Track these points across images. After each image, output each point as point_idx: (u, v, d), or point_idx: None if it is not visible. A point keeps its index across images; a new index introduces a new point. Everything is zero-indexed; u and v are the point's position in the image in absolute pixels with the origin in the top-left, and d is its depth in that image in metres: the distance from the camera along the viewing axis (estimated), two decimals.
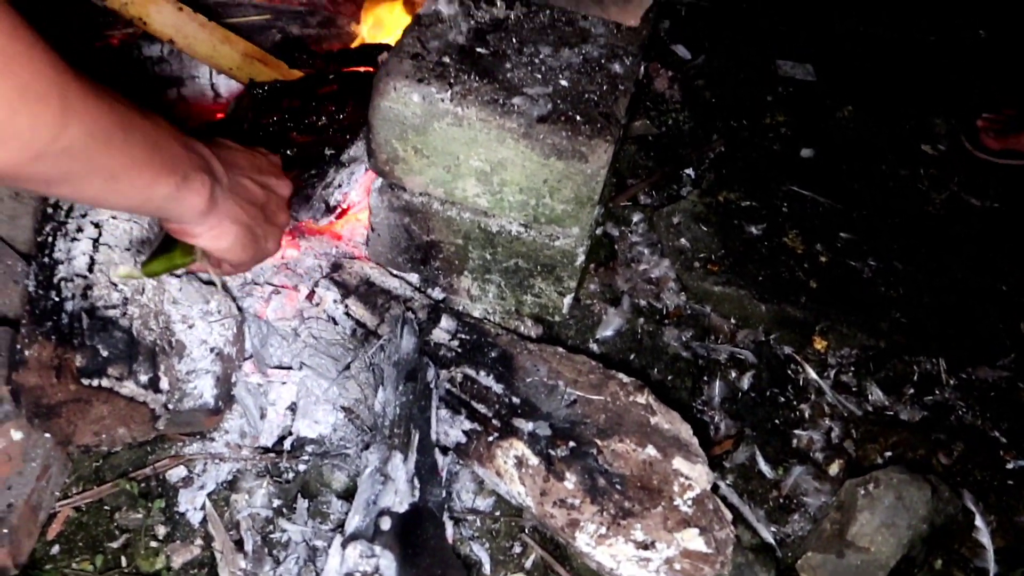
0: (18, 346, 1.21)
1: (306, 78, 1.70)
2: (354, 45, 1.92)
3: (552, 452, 1.26)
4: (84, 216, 1.37)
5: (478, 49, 1.38)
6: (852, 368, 1.61)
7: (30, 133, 0.65)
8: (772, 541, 1.36)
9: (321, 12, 1.91)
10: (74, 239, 1.34)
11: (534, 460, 1.26)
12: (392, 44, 1.61)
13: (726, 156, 1.99)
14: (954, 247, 1.88)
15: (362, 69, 1.73)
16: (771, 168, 1.97)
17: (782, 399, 1.57)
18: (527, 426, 1.29)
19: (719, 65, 2.24)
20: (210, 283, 1.44)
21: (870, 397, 1.58)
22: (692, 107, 2.10)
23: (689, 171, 1.94)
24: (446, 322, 1.44)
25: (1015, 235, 1.93)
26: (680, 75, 2.17)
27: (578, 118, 1.29)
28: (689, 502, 1.23)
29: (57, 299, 1.26)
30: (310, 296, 1.54)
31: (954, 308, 1.74)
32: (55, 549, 1.25)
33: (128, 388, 1.23)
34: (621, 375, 1.36)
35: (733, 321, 1.66)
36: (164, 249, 1.06)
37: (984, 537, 1.39)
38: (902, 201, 1.98)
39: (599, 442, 1.27)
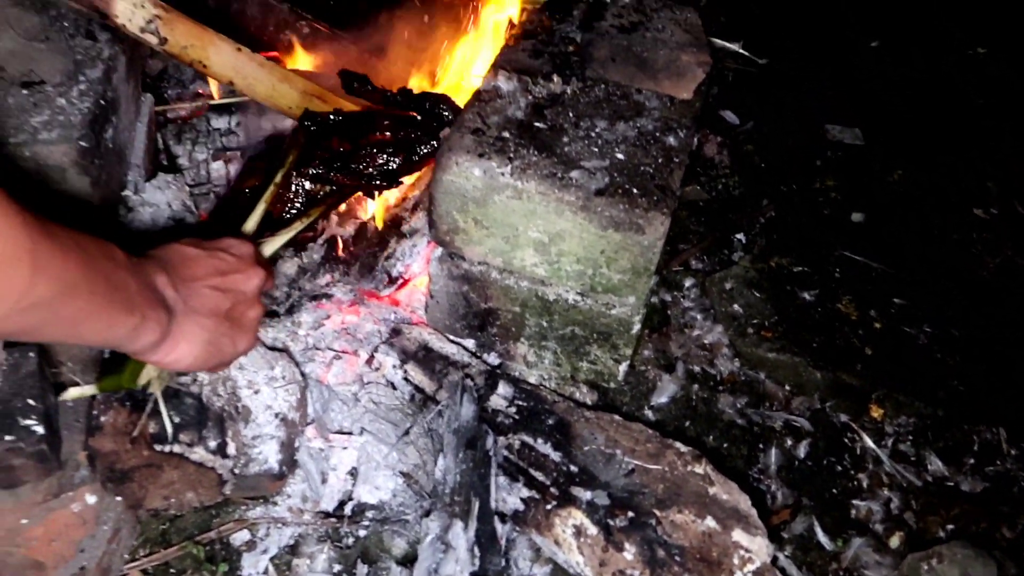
0: (94, 412, 1.26)
1: (360, 120, 1.70)
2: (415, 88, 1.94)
3: (611, 522, 1.27)
4: None
5: (536, 124, 1.42)
6: (910, 437, 1.60)
7: (1, 295, 0.68)
8: None
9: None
10: None
11: (593, 529, 1.27)
12: (446, 95, 1.67)
13: (777, 221, 2.00)
14: (1010, 313, 1.86)
15: (417, 116, 1.74)
16: (822, 233, 1.98)
17: (839, 468, 1.56)
18: (585, 495, 1.30)
19: (767, 130, 2.27)
20: (275, 349, 1.49)
21: (929, 467, 1.56)
22: (742, 172, 2.13)
23: (740, 236, 1.96)
24: (503, 389, 1.46)
25: None
26: (729, 140, 2.20)
27: (635, 191, 1.32)
28: (749, 575, 1.22)
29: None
30: (370, 361, 1.57)
31: (1014, 376, 1.72)
32: None
33: (198, 454, 1.27)
34: (678, 444, 1.37)
35: (788, 388, 1.66)
36: (114, 367, 1.12)
37: None
38: (955, 266, 1.97)
39: (658, 512, 1.27)
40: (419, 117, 1.62)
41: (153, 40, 1.50)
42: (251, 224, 1.29)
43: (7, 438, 1.10)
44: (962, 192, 2.19)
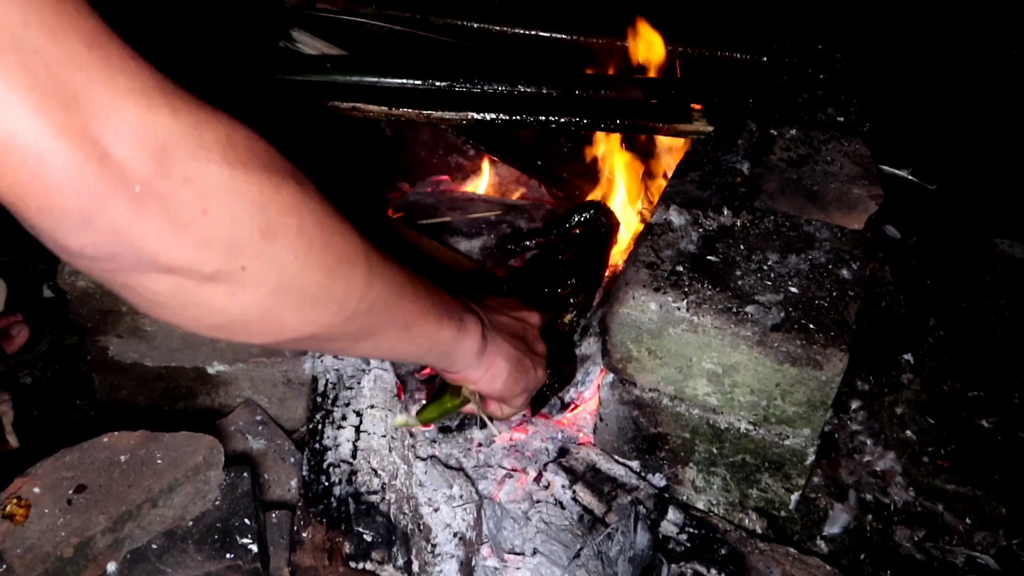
0: (295, 528, 1.36)
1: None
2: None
3: None
4: (347, 405, 1.54)
5: (708, 257, 1.47)
6: None
7: (344, 295, 0.74)
8: None
9: (544, 206, 2.08)
10: (339, 427, 1.50)
11: None
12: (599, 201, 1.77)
13: (947, 341, 1.96)
14: None
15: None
16: (997, 355, 1.92)
17: None
18: None
19: (932, 245, 2.23)
20: (453, 468, 1.56)
21: None
22: (906, 289, 2.10)
23: (908, 356, 1.92)
24: (673, 515, 1.48)
25: None
26: (891, 256, 2.17)
27: (811, 326, 1.34)
28: None
29: (327, 483, 1.41)
30: (538, 479, 1.62)
31: None
32: None
33: (388, 572, 1.34)
34: None
35: (969, 521, 1.59)
36: (436, 397, 1.20)
37: None
38: None
39: None
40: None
41: None
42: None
43: (228, 556, 1.20)
44: None
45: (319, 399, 1.58)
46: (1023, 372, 1.86)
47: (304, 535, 1.34)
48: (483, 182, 2.28)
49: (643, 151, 2.08)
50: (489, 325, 1.01)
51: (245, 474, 1.31)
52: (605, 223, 1.78)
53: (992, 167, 2.51)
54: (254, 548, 1.22)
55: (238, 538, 1.22)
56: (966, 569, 1.53)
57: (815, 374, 1.32)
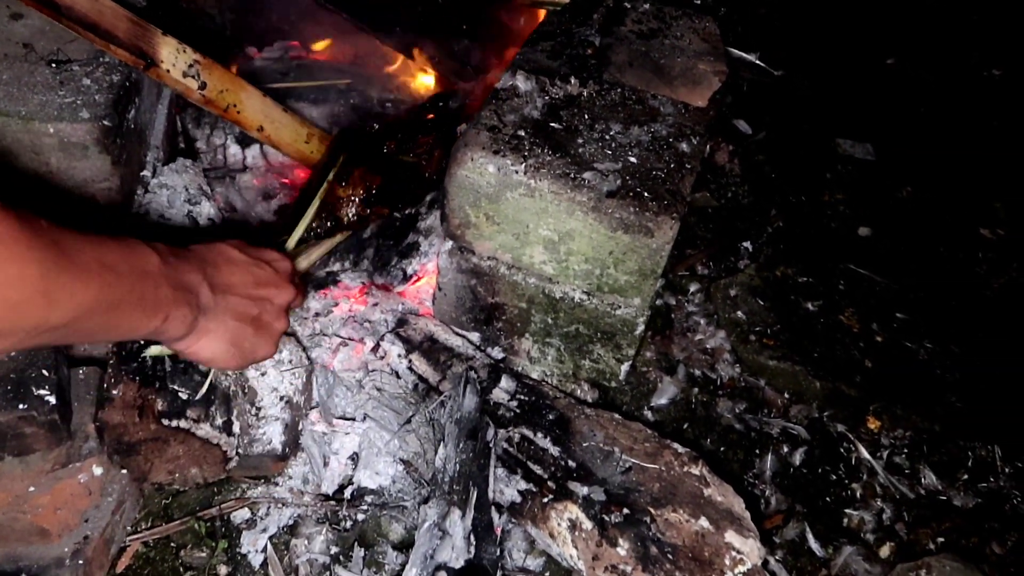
0: (105, 385, 1.28)
1: (388, 129, 1.77)
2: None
3: (606, 518, 1.29)
4: None
5: (552, 124, 1.44)
6: (905, 450, 1.62)
7: (22, 331, 0.73)
8: None
9: (396, 78, 2.00)
10: None
11: (588, 524, 1.29)
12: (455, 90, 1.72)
13: (784, 231, 2.02)
14: (1012, 333, 1.88)
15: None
16: (828, 245, 2.00)
17: (834, 477, 1.58)
18: (582, 490, 1.32)
19: (780, 141, 2.28)
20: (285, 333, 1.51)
21: (923, 480, 1.58)
22: (751, 181, 2.15)
23: (747, 244, 1.98)
24: (506, 383, 1.48)
25: None
26: (741, 149, 2.22)
27: (646, 195, 1.35)
28: None
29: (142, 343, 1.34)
30: (375, 349, 1.59)
31: (1011, 394, 1.74)
32: None
33: (204, 430, 1.29)
34: (676, 445, 1.39)
35: (787, 396, 1.68)
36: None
37: None
38: (960, 284, 1.99)
39: (653, 511, 1.29)
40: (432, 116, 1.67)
41: (194, 84, 1.55)
42: (292, 241, 1.39)
43: (20, 407, 1.13)
44: (970, 212, 2.21)
45: None
46: (849, 261, 1.95)
47: (114, 392, 1.27)
48: (335, 49, 2.16)
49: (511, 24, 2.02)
50: (212, 309, 1.00)
51: None
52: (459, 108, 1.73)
53: (838, 67, 2.58)
54: (51, 400, 1.15)
55: (34, 389, 1.15)
56: (780, 439, 1.62)
57: (647, 241, 1.33)
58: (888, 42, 2.73)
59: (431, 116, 1.70)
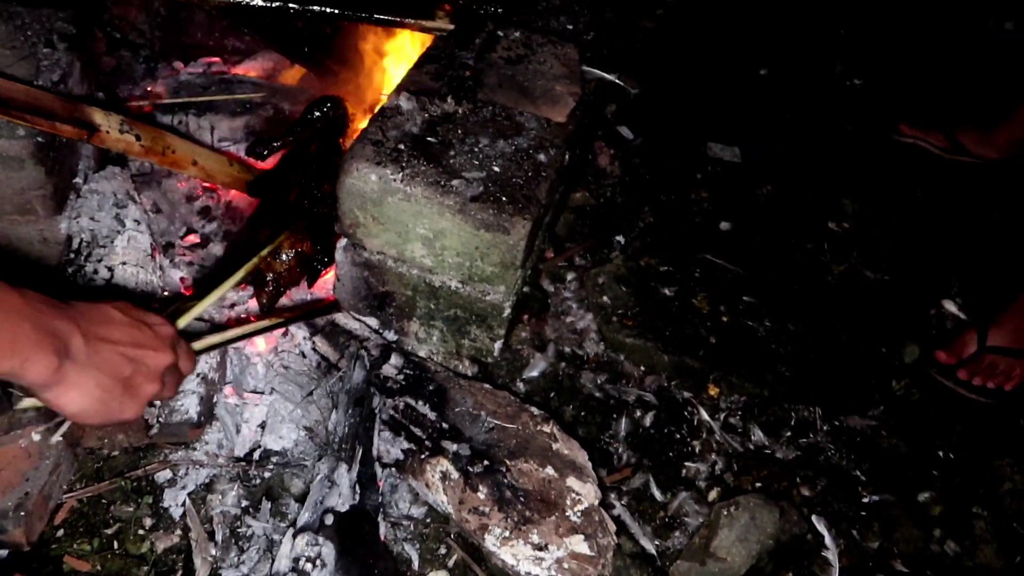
0: None
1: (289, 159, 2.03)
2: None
3: (470, 468, 1.55)
4: (100, 261, 1.68)
5: (429, 138, 1.69)
6: (739, 412, 1.90)
7: None
8: (653, 551, 1.65)
9: (307, 91, 2.23)
10: (91, 280, 1.65)
11: (455, 475, 1.55)
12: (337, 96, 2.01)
13: (654, 226, 2.30)
14: (844, 313, 2.18)
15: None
16: (691, 238, 2.29)
17: (677, 436, 1.86)
18: (452, 447, 1.58)
19: (656, 145, 2.57)
20: (200, 319, 1.74)
21: (752, 437, 1.87)
22: (628, 182, 2.43)
23: (620, 238, 2.25)
24: (394, 359, 1.73)
25: (900, 305, 2.23)
26: (621, 153, 2.50)
27: (504, 199, 1.60)
28: (579, 514, 1.51)
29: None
30: (285, 333, 1.83)
31: (835, 365, 2.04)
32: (60, 533, 1.53)
33: None
34: (533, 408, 1.66)
35: (642, 368, 1.95)
36: None
37: (832, 556, 1.67)
38: (804, 271, 2.29)
39: (508, 462, 1.56)
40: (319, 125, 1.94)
41: (132, 138, 1.76)
42: (183, 322, 1.36)
43: None
44: (821, 207, 2.51)
45: (72, 255, 1.71)
46: (708, 252, 2.24)
47: None
48: (255, 66, 2.39)
49: (402, 45, 2.26)
50: (83, 363, 0.98)
51: None
52: (341, 114, 1.99)
53: (715, 79, 2.88)
54: None
55: None
56: (634, 405, 1.89)
57: (504, 238, 1.59)
58: (763, 54, 3.03)
59: (314, 147, 1.96)
